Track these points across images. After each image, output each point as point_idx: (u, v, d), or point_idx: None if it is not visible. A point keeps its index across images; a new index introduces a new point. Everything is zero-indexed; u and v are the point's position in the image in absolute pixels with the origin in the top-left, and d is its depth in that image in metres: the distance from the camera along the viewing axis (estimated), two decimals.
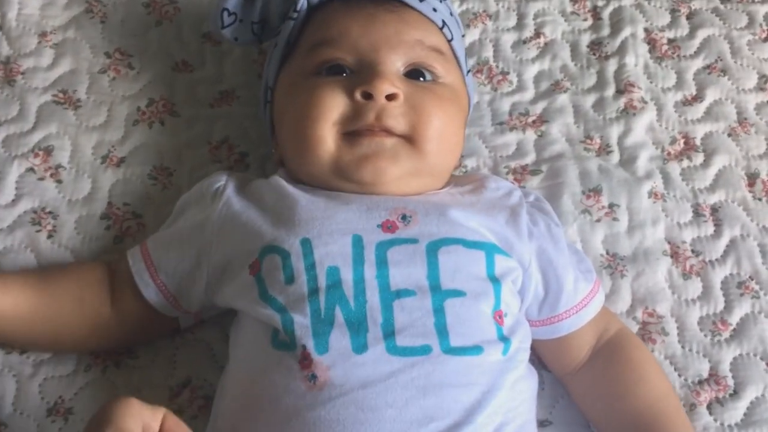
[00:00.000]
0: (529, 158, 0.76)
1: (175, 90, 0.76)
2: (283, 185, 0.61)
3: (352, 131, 0.59)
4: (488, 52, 0.81)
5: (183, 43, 0.79)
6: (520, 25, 0.83)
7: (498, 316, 0.57)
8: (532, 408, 0.58)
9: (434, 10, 0.65)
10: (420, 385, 0.51)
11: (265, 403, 0.52)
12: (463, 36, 0.72)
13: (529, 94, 0.79)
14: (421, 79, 0.62)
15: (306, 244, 0.55)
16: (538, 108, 0.78)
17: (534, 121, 0.78)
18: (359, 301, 0.53)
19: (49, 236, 0.68)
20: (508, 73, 0.80)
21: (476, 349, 0.53)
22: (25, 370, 0.62)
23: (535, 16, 0.83)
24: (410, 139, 0.60)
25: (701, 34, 0.82)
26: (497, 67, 0.81)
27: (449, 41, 0.65)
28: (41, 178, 0.71)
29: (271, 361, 0.53)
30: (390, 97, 0.58)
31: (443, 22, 0.65)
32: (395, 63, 0.61)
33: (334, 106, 0.59)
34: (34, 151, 0.72)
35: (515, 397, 0.54)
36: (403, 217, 0.58)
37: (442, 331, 0.53)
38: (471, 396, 0.52)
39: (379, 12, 0.62)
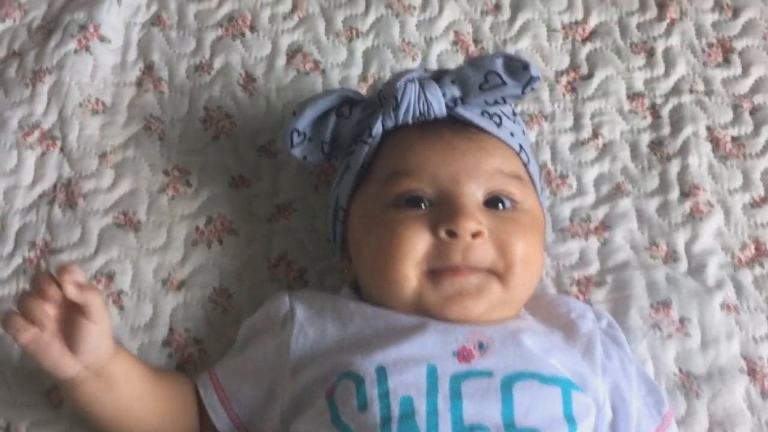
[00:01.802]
0: (593, 268, 0.75)
1: (233, 206, 0.77)
2: (359, 307, 0.62)
3: (435, 270, 0.59)
4: (546, 155, 0.81)
5: (239, 157, 0.80)
6: (577, 126, 0.82)
7: None
8: None
9: (511, 134, 0.65)
10: None
11: None
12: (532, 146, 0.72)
13: (590, 198, 0.79)
14: (501, 206, 0.62)
15: (381, 371, 0.56)
16: (600, 213, 0.77)
17: (596, 228, 0.77)
18: None
19: None
20: (567, 176, 0.80)
21: None
22: None
23: (592, 116, 0.83)
24: (496, 273, 0.60)
25: (766, 132, 0.81)
26: (555, 170, 0.80)
27: (526, 165, 0.66)
28: None
29: None
30: (475, 235, 0.59)
31: (520, 146, 0.66)
32: (475, 194, 0.61)
33: (417, 245, 0.59)
34: (97, 278, 0.73)
35: None
36: (480, 346, 0.58)
37: None
38: None
39: (457, 141, 0.63)
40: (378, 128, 0.65)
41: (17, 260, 0.74)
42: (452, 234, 0.59)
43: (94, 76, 0.83)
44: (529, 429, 0.55)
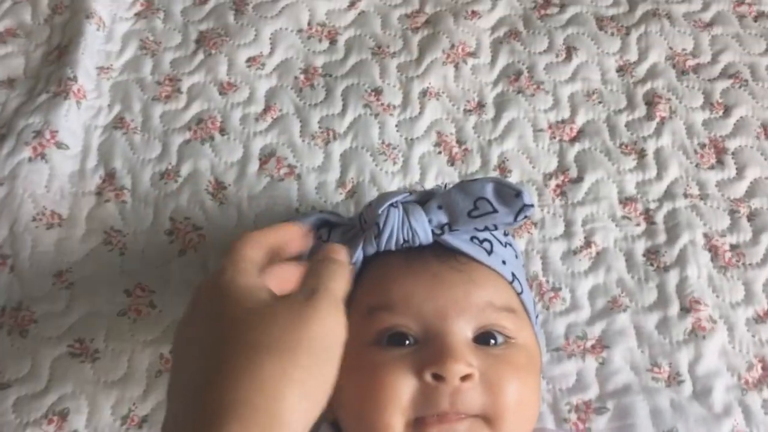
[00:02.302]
0: (592, 392, 0.70)
1: None
2: None
3: (421, 417, 0.54)
4: (536, 266, 0.77)
5: (209, 273, 0.74)
6: (568, 233, 0.79)
7: None
8: None
9: (503, 262, 0.61)
10: None
11: None
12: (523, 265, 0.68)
13: (585, 312, 0.75)
14: (492, 341, 0.58)
15: None
16: (597, 330, 0.73)
17: (593, 346, 0.73)
18: None
19: None
20: (560, 289, 0.76)
21: None
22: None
23: (584, 222, 0.79)
24: (486, 419, 0.55)
25: (765, 239, 0.78)
26: (548, 282, 0.76)
27: (519, 294, 0.61)
28: None
29: None
30: (464, 378, 0.54)
31: (513, 275, 0.61)
32: (464, 330, 0.57)
33: (402, 390, 0.54)
34: (48, 417, 0.67)
35: None
36: None
37: None
38: None
39: (444, 271, 0.58)
40: (359, 255, 0.60)
41: None
42: (439, 378, 0.54)
43: (49, 187, 0.77)
44: None
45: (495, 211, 0.59)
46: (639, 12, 0.93)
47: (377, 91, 0.86)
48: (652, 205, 0.80)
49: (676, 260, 0.77)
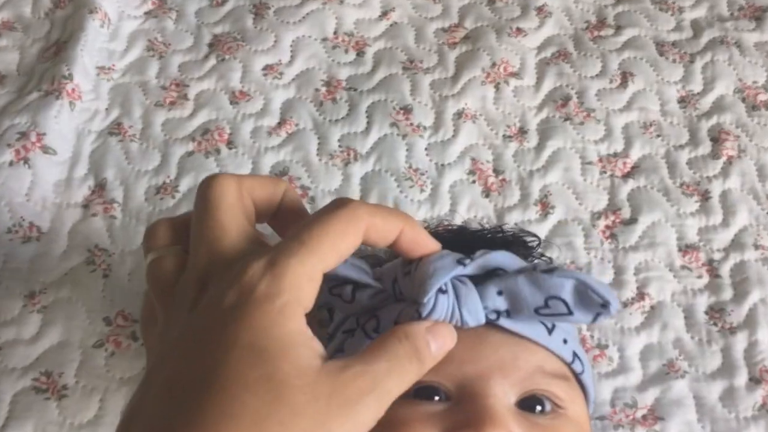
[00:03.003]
0: None
1: None
2: None
3: None
4: None
5: None
6: (618, 282, 0.70)
7: None
8: None
9: (564, 341, 0.51)
10: None
11: None
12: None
13: (636, 376, 0.65)
14: (539, 408, 0.48)
15: None
16: (649, 397, 0.64)
17: (645, 416, 0.63)
18: None
19: None
20: (606, 346, 0.66)
21: None
22: None
23: (637, 271, 0.70)
24: None
25: None
26: (592, 338, 0.67)
27: (579, 374, 0.52)
28: None
29: None
30: None
31: (574, 354, 0.51)
32: (508, 395, 0.47)
33: None
34: None
35: None
36: None
37: None
38: None
39: (491, 333, 0.49)
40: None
41: None
42: None
43: (30, 195, 0.70)
44: None
45: (570, 313, 0.48)
46: (705, 38, 0.84)
47: (406, 110, 0.78)
48: (717, 256, 0.71)
49: (745, 321, 0.67)
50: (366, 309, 0.49)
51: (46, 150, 0.71)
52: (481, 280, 0.48)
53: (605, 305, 0.45)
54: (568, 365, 0.51)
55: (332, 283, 0.49)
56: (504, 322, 0.48)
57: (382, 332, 0.44)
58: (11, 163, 0.70)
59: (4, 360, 0.63)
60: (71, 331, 0.64)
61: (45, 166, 0.71)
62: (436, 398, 0.47)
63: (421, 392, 0.47)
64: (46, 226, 0.69)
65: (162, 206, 0.71)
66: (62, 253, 0.68)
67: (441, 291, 0.45)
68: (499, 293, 0.47)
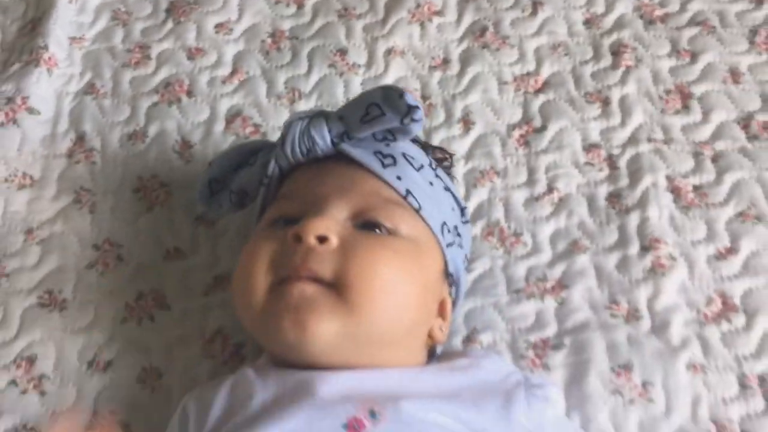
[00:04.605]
0: (550, 330, 0.74)
1: (166, 280, 0.78)
2: (244, 375, 0.60)
3: (280, 280, 0.58)
4: (499, 212, 0.82)
5: (175, 228, 0.81)
6: (531, 181, 0.83)
7: None
8: None
9: (398, 178, 0.64)
10: None
11: None
12: (465, 220, 0.71)
13: (546, 256, 0.79)
14: (377, 231, 0.61)
15: None
16: (557, 271, 0.78)
17: (553, 287, 0.77)
18: None
19: None
20: (521, 234, 0.80)
21: None
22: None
23: (547, 170, 0.84)
24: (337, 289, 0.56)
25: (729, 179, 0.82)
26: (509, 228, 0.81)
27: (417, 210, 0.64)
28: (24, 391, 0.72)
29: None
30: (321, 240, 0.58)
31: (408, 191, 0.64)
32: (342, 211, 0.61)
33: (266, 252, 0.59)
34: (17, 362, 0.73)
35: None
36: (372, 414, 0.54)
37: None
38: None
39: (337, 166, 0.64)
40: (272, 167, 0.66)
41: None
42: (298, 238, 0.58)
43: (21, 150, 0.84)
44: None
45: (383, 114, 0.62)
46: None
47: (342, 52, 0.92)
48: (616, 151, 0.85)
49: (638, 202, 0.81)
50: (261, 165, 0.67)
51: (31, 111, 0.86)
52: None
53: (401, 95, 0.60)
54: (404, 198, 0.64)
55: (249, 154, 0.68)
56: (346, 146, 0.63)
57: (270, 175, 0.66)
58: (2, 124, 0.85)
59: (12, 284, 0.78)
60: (66, 257, 0.79)
61: (31, 125, 0.86)
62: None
63: (276, 222, 0.62)
64: (37, 174, 0.84)
65: (135, 150, 0.86)
66: (53, 196, 0.83)
67: (299, 119, 0.63)
68: (340, 118, 0.63)
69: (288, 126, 0.65)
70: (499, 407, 0.59)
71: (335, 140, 0.65)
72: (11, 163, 0.83)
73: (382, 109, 0.62)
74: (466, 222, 0.72)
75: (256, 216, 0.69)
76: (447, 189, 0.69)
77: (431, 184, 0.67)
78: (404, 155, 0.66)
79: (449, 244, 0.66)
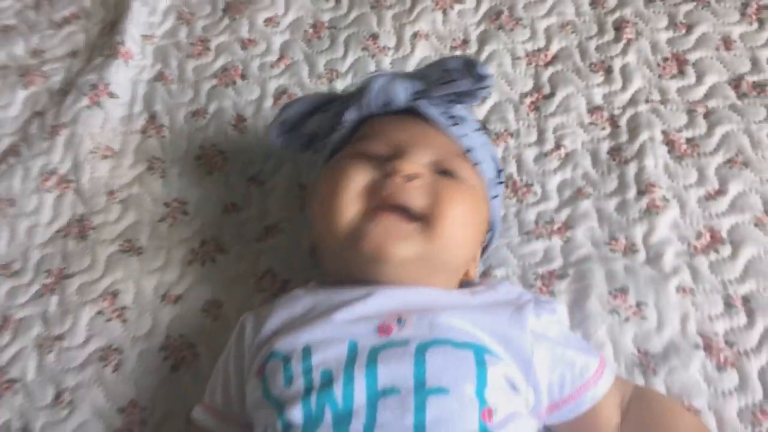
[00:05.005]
0: (556, 263, 0.83)
1: (225, 230, 0.89)
2: (308, 292, 0.70)
3: (373, 207, 0.67)
4: (512, 168, 0.91)
5: (231, 187, 0.92)
6: (540, 140, 0.92)
7: (487, 413, 0.60)
8: None
9: (464, 136, 0.74)
10: None
11: None
12: (501, 180, 0.80)
13: (553, 203, 0.87)
14: (450, 176, 0.70)
15: (306, 350, 0.63)
16: (563, 215, 0.86)
17: (559, 228, 0.85)
18: (347, 400, 0.60)
19: (114, 370, 0.80)
20: (531, 185, 0.89)
21: None
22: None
23: (555, 130, 0.93)
24: (426, 221, 0.66)
25: (719, 131, 0.89)
26: (521, 180, 0.90)
27: (475, 164, 0.74)
28: (108, 320, 0.84)
29: None
30: (412, 178, 0.67)
31: (469, 148, 0.74)
32: (423, 157, 0.70)
33: (360, 179, 0.67)
34: (103, 296, 0.85)
35: None
36: (399, 321, 0.64)
37: (419, 427, 0.58)
38: None
39: (412, 119, 0.73)
40: (349, 114, 0.74)
41: (35, 287, 0.87)
42: (393, 173, 0.67)
43: (104, 127, 0.97)
44: (438, 388, 0.60)
45: (458, 79, 0.72)
46: None
47: (374, 37, 1.03)
48: (617, 112, 0.93)
49: (636, 154, 0.89)
50: (336, 113, 0.76)
51: (111, 95, 1.00)
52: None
53: (482, 77, 0.70)
54: (465, 153, 0.74)
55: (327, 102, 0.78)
56: (420, 103, 0.72)
57: (345, 122, 0.74)
58: (88, 107, 0.98)
59: (98, 235, 0.90)
60: (142, 213, 0.91)
61: (112, 107, 0.99)
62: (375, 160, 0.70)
63: (364, 155, 0.70)
64: (117, 147, 0.97)
65: (197, 125, 0.98)
66: (130, 165, 0.96)
67: (379, 74, 0.71)
68: (416, 77, 0.72)
69: (368, 81, 0.74)
70: (512, 314, 0.67)
71: (411, 97, 0.74)
72: (96, 138, 0.97)
73: (459, 74, 0.72)
74: (501, 182, 0.81)
75: (325, 157, 0.77)
76: (492, 151, 0.80)
77: (483, 144, 0.78)
78: (464, 117, 0.76)
79: (493, 197, 0.77)
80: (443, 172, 0.70)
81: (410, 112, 0.74)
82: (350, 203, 0.67)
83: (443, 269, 0.70)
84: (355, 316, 0.65)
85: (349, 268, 0.69)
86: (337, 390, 0.60)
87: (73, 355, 0.81)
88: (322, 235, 0.71)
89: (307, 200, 0.77)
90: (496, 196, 0.78)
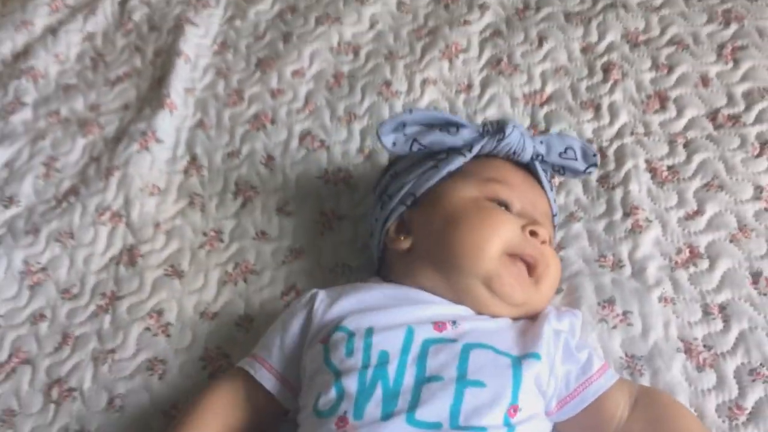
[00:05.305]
0: None
1: (255, 254, 0.99)
2: (365, 284, 0.81)
3: (511, 253, 0.76)
4: None
5: (262, 217, 1.02)
6: None
7: (513, 409, 0.68)
8: None
9: (554, 200, 0.87)
10: None
11: None
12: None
13: None
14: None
15: (369, 330, 0.72)
16: (557, 237, 0.94)
17: (555, 249, 0.93)
18: (397, 381, 0.68)
19: (160, 378, 0.89)
20: None
21: (481, 429, 0.66)
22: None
23: None
24: (535, 278, 0.78)
25: (697, 158, 0.97)
26: None
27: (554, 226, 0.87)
28: (155, 335, 0.93)
29: (315, 426, 0.69)
30: (543, 242, 0.79)
31: (554, 214, 0.88)
32: (547, 224, 0.83)
33: (508, 231, 0.77)
34: (149, 314, 0.95)
35: None
36: (454, 323, 0.74)
37: (454, 412, 0.66)
38: None
39: (527, 175, 0.85)
40: (479, 148, 0.82)
41: (91, 308, 0.97)
42: (534, 234, 0.78)
43: (151, 169, 1.08)
44: (476, 381, 0.68)
45: (576, 158, 0.85)
46: (600, 5, 1.16)
47: (387, 83, 1.13)
48: (605, 144, 1.01)
49: (622, 180, 0.97)
50: (465, 140, 0.83)
51: (158, 141, 1.11)
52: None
53: (594, 155, 0.85)
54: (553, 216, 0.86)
55: (443, 123, 0.84)
56: (538, 164, 0.84)
57: (473, 153, 0.83)
58: (138, 151, 1.10)
59: (146, 261, 1.00)
60: (184, 241, 1.01)
61: (158, 151, 1.10)
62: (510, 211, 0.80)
63: (501, 204, 0.80)
64: (163, 185, 1.08)
65: (232, 165, 1.08)
66: (174, 200, 1.06)
67: (516, 126, 0.82)
68: (541, 142, 0.84)
69: (510, 129, 0.82)
70: (538, 320, 0.77)
71: (533, 156, 0.85)
72: (144, 178, 1.07)
73: (577, 156, 0.86)
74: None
75: (442, 173, 0.81)
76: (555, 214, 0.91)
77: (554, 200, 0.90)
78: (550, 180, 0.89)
79: None
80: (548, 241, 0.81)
81: (522, 165, 0.86)
82: (495, 248, 0.76)
83: (523, 313, 0.79)
84: (417, 312, 0.75)
85: (448, 283, 0.77)
86: (391, 371, 0.69)
87: (123, 366, 0.91)
88: (443, 258, 0.78)
89: (422, 212, 0.82)
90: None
